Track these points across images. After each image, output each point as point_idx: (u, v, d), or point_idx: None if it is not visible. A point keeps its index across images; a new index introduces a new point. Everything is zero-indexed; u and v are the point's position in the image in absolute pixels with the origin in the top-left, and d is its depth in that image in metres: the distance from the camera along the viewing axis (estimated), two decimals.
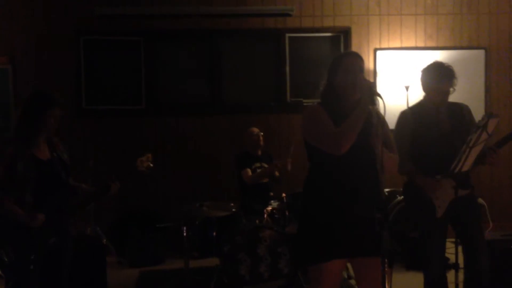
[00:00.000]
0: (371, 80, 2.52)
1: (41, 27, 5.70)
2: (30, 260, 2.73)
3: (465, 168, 3.03)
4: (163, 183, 5.80)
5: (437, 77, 3.20)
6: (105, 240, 5.13)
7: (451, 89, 3.23)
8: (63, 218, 2.91)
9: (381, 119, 2.44)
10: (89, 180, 4.25)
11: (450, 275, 3.35)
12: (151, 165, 3.18)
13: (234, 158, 5.09)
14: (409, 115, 3.33)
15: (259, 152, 5.11)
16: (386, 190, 4.89)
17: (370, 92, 2.39)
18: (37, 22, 5.70)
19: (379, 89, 2.67)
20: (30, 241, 2.74)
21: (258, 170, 4.99)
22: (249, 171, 4.94)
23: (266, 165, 5.03)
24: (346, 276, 4.41)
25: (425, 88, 3.32)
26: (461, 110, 3.34)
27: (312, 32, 6.02)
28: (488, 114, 2.90)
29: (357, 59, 2.57)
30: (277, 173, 5.05)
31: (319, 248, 2.52)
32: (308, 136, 2.61)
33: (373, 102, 2.38)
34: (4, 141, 2.98)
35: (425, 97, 3.36)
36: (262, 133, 5.11)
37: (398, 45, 5.99)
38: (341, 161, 2.45)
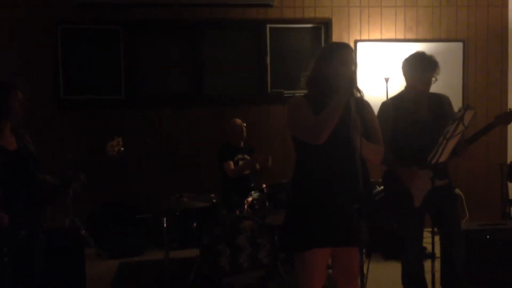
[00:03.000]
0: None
1: (19, 15, 5.59)
2: (3, 253, 2.69)
3: (442, 159, 3.06)
4: (143, 174, 5.76)
5: (422, 66, 3.22)
6: (83, 232, 5.08)
7: (433, 79, 3.25)
8: (33, 210, 2.87)
9: (367, 110, 2.49)
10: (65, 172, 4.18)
11: (427, 264, 3.40)
12: (122, 149, 3.11)
13: (217, 151, 5.08)
14: (390, 106, 3.35)
15: (242, 144, 5.11)
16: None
17: (349, 83, 2.40)
18: (14, 9, 5.58)
19: (359, 80, 2.68)
20: (2, 234, 2.69)
21: (241, 162, 4.99)
22: (232, 164, 4.93)
23: (248, 157, 5.03)
24: None
25: (408, 77, 3.32)
26: (440, 101, 3.36)
27: (293, 23, 6.02)
28: (465, 106, 2.93)
29: (351, 52, 2.61)
30: (257, 167, 5.06)
31: (300, 237, 2.55)
32: (290, 127, 2.65)
33: (352, 94, 2.39)
34: None
35: (406, 88, 3.37)
36: (245, 124, 5.11)
37: (378, 37, 6.02)
38: (321, 152, 2.48)
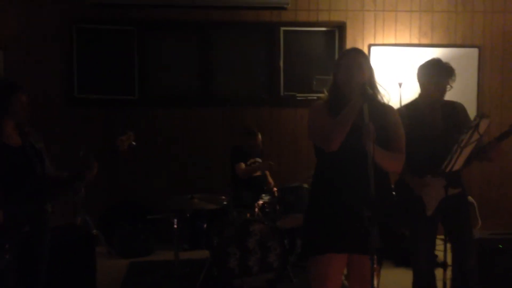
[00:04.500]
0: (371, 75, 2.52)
1: (34, 13, 5.64)
2: (5, 249, 2.68)
3: (456, 168, 3.04)
4: (154, 174, 5.78)
5: (438, 73, 3.19)
6: (95, 231, 5.12)
7: (449, 86, 3.22)
8: (37, 206, 2.87)
9: (386, 116, 2.50)
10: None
11: (439, 272, 3.37)
12: (134, 143, 3.04)
13: (230, 150, 5.07)
14: (404, 113, 3.31)
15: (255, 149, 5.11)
16: None
17: (362, 90, 2.39)
18: (30, 8, 5.64)
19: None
20: (3, 230, 2.69)
21: (253, 165, 5.00)
22: (243, 165, 4.94)
23: (260, 160, 5.03)
24: None
25: (423, 84, 3.29)
26: (455, 109, 3.33)
27: (307, 26, 6.01)
28: (480, 115, 2.90)
29: (357, 56, 2.57)
30: (270, 181, 5.07)
31: (316, 241, 2.56)
32: (308, 132, 2.65)
33: (365, 100, 2.37)
34: None
35: (420, 95, 3.35)
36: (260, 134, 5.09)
37: (392, 41, 5.99)
38: (335, 159, 2.48)
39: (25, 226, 2.80)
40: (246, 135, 5.00)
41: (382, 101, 2.59)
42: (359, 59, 2.56)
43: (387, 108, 2.60)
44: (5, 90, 2.83)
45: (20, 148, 2.85)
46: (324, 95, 2.68)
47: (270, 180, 5.14)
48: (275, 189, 4.70)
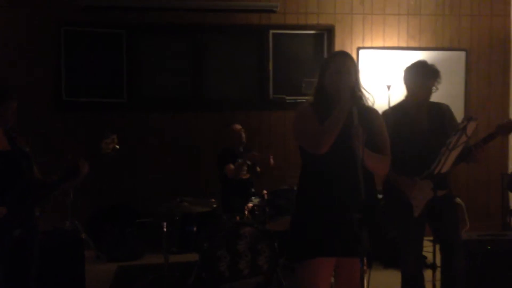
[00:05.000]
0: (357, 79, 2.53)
1: (22, 16, 5.60)
2: None
3: (444, 170, 3.06)
4: (143, 178, 5.76)
5: (423, 74, 3.22)
6: (83, 235, 5.08)
7: (434, 88, 3.25)
8: (27, 210, 2.87)
9: (373, 119, 2.52)
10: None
11: (428, 274, 3.39)
12: (117, 146, 3.06)
13: (216, 158, 5.08)
14: (390, 116, 3.34)
15: (241, 149, 5.11)
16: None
17: (350, 94, 2.40)
18: (18, 11, 5.60)
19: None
20: None
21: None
22: (232, 166, 4.94)
23: (249, 162, 5.03)
24: None
25: (410, 85, 3.32)
26: (441, 110, 3.36)
27: (296, 29, 6.03)
28: (468, 117, 2.93)
29: (346, 59, 2.57)
30: (258, 169, 5.06)
31: (304, 245, 2.55)
32: (295, 135, 2.66)
33: (354, 103, 2.39)
34: None
35: (406, 97, 3.37)
36: (244, 130, 5.12)
37: (380, 44, 6.03)
38: (323, 161, 2.48)
39: (16, 229, 2.79)
40: (226, 127, 5.09)
41: (366, 104, 2.60)
42: (347, 62, 2.56)
43: (372, 111, 2.62)
44: None
45: (9, 152, 2.84)
46: (310, 97, 2.68)
47: (271, 161, 4.93)
48: (264, 191, 4.70)
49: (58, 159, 4.99)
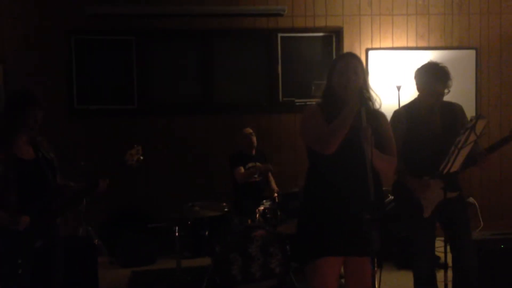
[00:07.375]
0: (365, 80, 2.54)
1: (32, 26, 5.67)
2: (18, 265, 2.64)
3: (453, 169, 3.04)
4: (155, 183, 5.79)
5: (433, 79, 3.20)
6: (96, 240, 5.12)
7: (446, 91, 3.24)
8: (49, 220, 2.83)
9: (380, 121, 2.53)
10: (79, 179, 4.22)
11: (440, 274, 3.37)
12: (141, 158, 3.01)
13: (228, 158, 5.11)
14: (403, 115, 3.33)
15: (253, 152, 5.14)
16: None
17: (359, 94, 2.41)
18: (28, 20, 5.67)
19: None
20: (16, 245, 2.66)
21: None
22: (242, 169, 4.96)
23: (260, 164, 5.05)
24: None
25: (420, 88, 3.31)
26: (453, 110, 3.34)
27: (304, 32, 6.03)
28: (477, 116, 2.92)
29: (352, 60, 2.59)
30: (274, 187, 5.14)
31: (312, 245, 2.55)
32: (302, 135, 2.68)
33: (363, 104, 2.39)
34: None
35: (419, 97, 3.36)
36: (254, 133, 5.14)
37: (389, 45, 6.01)
38: (331, 162, 2.49)
39: (37, 241, 2.75)
40: (239, 133, 5.14)
41: (374, 106, 2.61)
42: (355, 63, 2.58)
43: (378, 113, 2.64)
44: (22, 104, 2.76)
45: (34, 161, 2.80)
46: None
47: (274, 185, 5.14)
48: (275, 194, 4.71)
49: (70, 166, 5.05)
